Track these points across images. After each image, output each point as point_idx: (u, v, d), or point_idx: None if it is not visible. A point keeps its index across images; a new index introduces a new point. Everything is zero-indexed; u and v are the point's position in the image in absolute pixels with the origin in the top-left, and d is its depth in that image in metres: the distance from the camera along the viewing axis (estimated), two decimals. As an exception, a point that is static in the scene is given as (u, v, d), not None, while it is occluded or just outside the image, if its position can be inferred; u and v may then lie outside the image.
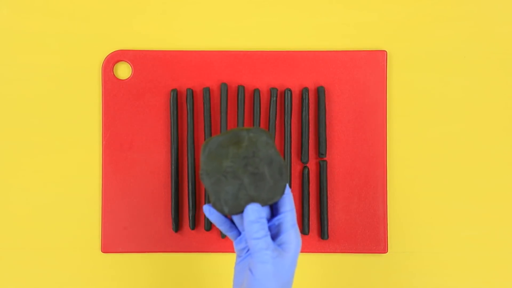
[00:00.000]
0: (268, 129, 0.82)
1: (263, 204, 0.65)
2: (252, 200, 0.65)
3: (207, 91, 0.82)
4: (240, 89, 0.82)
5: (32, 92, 0.84)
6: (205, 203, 0.82)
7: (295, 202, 0.83)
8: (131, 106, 0.83)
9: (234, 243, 0.69)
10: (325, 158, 0.83)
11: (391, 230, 0.83)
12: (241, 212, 0.65)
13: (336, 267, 0.84)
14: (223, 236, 0.82)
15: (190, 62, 0.83)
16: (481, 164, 0.84)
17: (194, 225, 0.82)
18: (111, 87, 0.83)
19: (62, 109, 0.84)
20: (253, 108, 0.83)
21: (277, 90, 0.82)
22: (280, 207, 0.66)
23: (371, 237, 0.83)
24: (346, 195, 0.83)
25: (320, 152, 0.83)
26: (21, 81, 0.84)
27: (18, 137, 0.84)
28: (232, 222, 0.69)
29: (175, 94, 0.82)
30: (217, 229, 0.83)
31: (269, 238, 0.64)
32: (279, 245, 0.65)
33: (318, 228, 0.83)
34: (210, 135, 0.82)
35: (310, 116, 0.83)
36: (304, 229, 0.82)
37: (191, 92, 0.82)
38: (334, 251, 0.83)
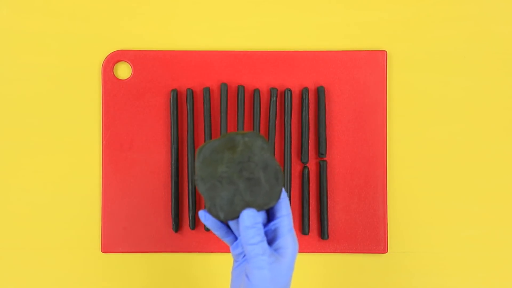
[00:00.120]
0: (268, 129, 0.82)
1: (258, 209, 0.64)
2: (248, 205, 0.64)
3: (207, 91, 0.82)
4: (240, 89, 0.82)
5: (32, 92, 0.84)
6: (205, 204, 0.82)
7: (295, 202, 0.83)
8: (131, 106, 0.83)
9: (230, 248, 0.68)
10: (325, 158, 0.83)
11: (391, 230, 0.83)
12: (237, 217, 0.64)
13: (336, 267, 0.84)
14: (223, 236, 0.82)
15: (190, 62, 0.83)
16: (481, 164, 0.84)
17: (194, 225, 0.82)
18: (111, 87, 0.83)
19: (62, 109, 0.84)
20: (253, 108, 0.83)
21: (277, 90, 0.82)
22: (277, 212, 0.65)
23: (371, 237, 0.83)
24: (346, 195, 0.83)
25: (320, 152, 0.83)
26: (21, 81, 0.84)
27: (18, 137, 0.84)
28: (228, 227, 0.68)
29: (175, 94, 0.82)
30: (217, 229, 0.83)
31: (265, 244, 0.63)
32: (276, 250, 0.64)
33: (318, 228, 0.83)
34: (210, 135, 0.82)
35: (310, 116, 0.83)
36: (304, 229, 0.82)
37: (191, 92, 0.82)
38: (334, 251, 0.83)
